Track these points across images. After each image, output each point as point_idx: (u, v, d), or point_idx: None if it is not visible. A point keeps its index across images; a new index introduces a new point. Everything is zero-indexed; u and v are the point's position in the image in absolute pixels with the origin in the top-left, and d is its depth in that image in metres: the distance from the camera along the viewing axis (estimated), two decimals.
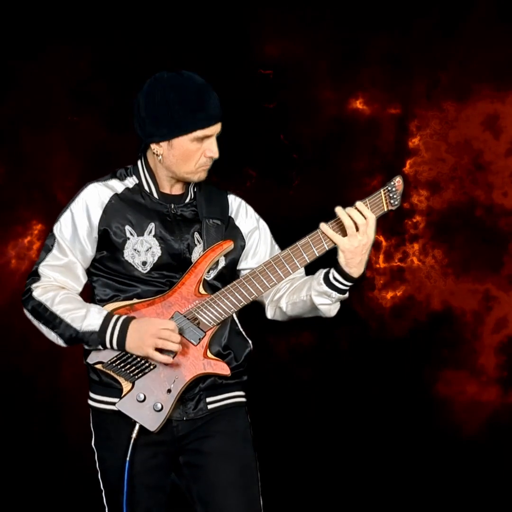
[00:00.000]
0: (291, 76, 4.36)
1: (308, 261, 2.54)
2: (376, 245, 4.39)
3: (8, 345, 4.27)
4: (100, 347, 2.52)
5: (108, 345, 2.51)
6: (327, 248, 2.53)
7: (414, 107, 4.38)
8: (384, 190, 2.52)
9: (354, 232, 2.48)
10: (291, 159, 4.40)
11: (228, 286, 2.56)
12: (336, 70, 4.36)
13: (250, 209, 2.77)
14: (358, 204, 2.50)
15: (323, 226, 2.51)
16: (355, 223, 2.48)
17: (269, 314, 2.78)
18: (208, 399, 2.62)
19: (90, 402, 2.66)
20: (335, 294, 2.56)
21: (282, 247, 2.64)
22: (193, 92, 2.51)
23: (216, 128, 2.55)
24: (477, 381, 4.36)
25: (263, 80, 4.38)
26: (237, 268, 2.74)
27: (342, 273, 2.53)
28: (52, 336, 2.57)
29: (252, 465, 2.66)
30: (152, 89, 2.55)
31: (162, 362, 2.51)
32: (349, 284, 2.55)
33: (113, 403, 2.57)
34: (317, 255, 2.53)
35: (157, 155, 2.57)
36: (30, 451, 4.29)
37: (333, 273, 2.54)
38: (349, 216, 2.48)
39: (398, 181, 2.52)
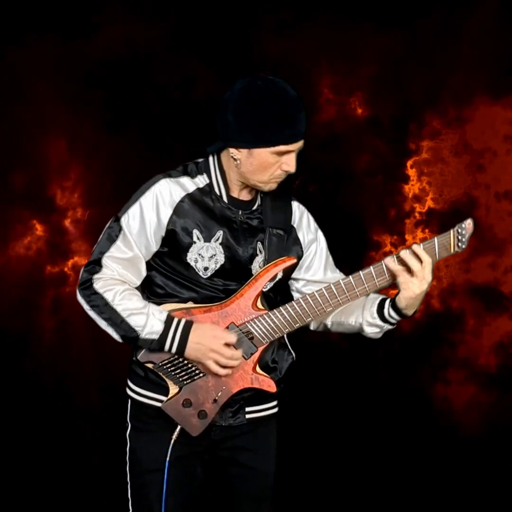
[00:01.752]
0: (291, 75, 4.35)
1: (369, 292, 2.53)
2: (376, 245, 4.40)
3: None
4: (157, 350, 2.52)
5: (167, 350, 2.51)
6: (388, 282, 2.51)
7: (414, 106, 4.38)
8: (454, 231, 2.47)
9: (422, 276, 2.45)
10: None
11: (286, 305, 2.55)
12: (336, 70, 4.37)
13: (311, 219, 2.75)
14: (415, 247, 2.46)
15: (388, 262, 2.47)
16: (410, 268, 2.46)
17: (313, 326, 2.79)
18: (248, 409, 2.64)
19: (130, 393, 2.65)
20: (386, 327, 2.60)
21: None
22: (285, 105, 2.45)
23: (299, 144, 2.51)
24: (477, 380, 4.37)
25: None
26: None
27: (398, 312, 2.55)
28: (108, 329, 2.53)
29: (271, 481, 2.73)
30: (244, 93, 2.47)
31: (220, 375, 2.52)
32: (400, 319, 2.58)
33: (156, 399, 2.58)
34: (378, 287, 2.53)
35: (234, 159, 2.53)
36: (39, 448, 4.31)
37: (389, 310, 2.56)
38: (405, 260, 2.45)
39: (469, 224, 2.46)
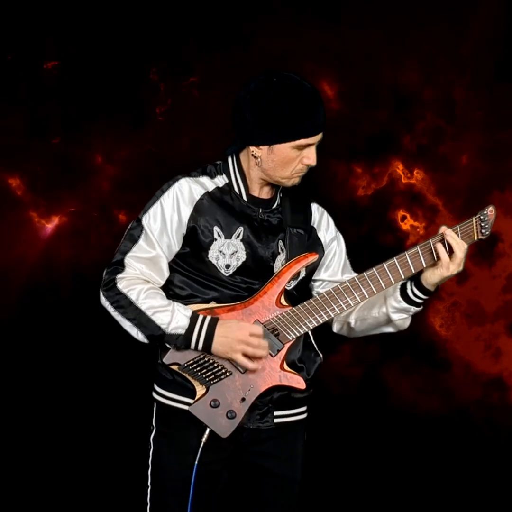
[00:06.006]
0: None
1: (393, 283, 2.52)
2: (377, 246, 4.41)
3: None
4: (183, 347, 2.50)
5: (193, 346, 2.49)
6: (412, 272, 2.51)
7: (415, 106, 4.39)
8: (476, 219, 2.48)
9: (459, 262, 2.46)
10: None
11: (311, 300, 2.54)
12: (336, 69, 4.37)
13: (331, 221, 2.74)
14: (450, 232, 2.47)
15: (448, 231, 2.46)
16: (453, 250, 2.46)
17: (336, 328, 2.77)
18: (276, 413, 2.60)
19: (157, 397, 2.62)
20: (413, 309, 2.58)
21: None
22: (303, 99, 2.46)
23: (319, 137, 2.51)
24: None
25: None
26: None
27: (422, 289, 2.54)
28: (132, 330, 2.51)
29: (297, 489, 2.69)
30: (260, 91, 2.47)
31: (250, 369, 2.49)
32: (426, 297, 2.56)
33: (183, 402, 2.55)
34: (403, 277, 2.52)
35: (255, 157, 2.53)
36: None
37: (412, 289, 2.54)
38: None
39: (490, 210, 2.47)
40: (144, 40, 4.25)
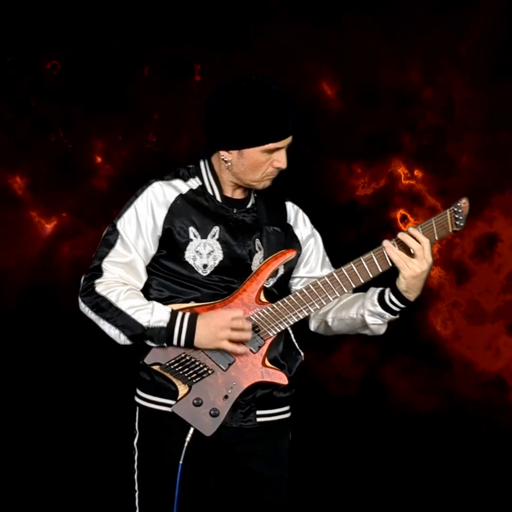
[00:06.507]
0: (290, 74, 4.36)
1: (372, 276, 2.52)
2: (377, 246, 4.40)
3: None
4: (165, 344, 2.50)
5: (175, 341, 2.49)
6: (389, 265, 2.50)
7: (415, 106, 4.39)
8: (450, 211, 2.50)
9: (422, 256, 2.47)
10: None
11: (290, 296, 2.55)
12: (336, 69, 4.37)
13: (306, 218, 2.77)
14: (411, 229, 2.49)
15: (387, 244, 2.48)
16: (410, 250, 2.47)
17: (313, 326, 2.78)
18: (259, 412, 2.61)
19: (139, 401, 2.63)
20: (388, 316, 2.57)
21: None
22: (270, 103, 2.47)
23: (289, 140, 2.53)
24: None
25: None
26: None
27: (399, 297, 2.53)
28: (114, 333, 2.51)
29: (285, 488, 2.69)
30: (229, 96, 2.50)
31: (239, 353, 2.50)
32: (403, 306, 2.55)
33: (165, 404, 2.56)
34: (380, 270, 2.52)
35: (225, 161, 2.56)
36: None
37: (389, 295, 2.54)
38: (404, 242, 2.47)
39: (464, 203, 2.50)
40: (144, 40, 4.26)
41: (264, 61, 4.32)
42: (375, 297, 2.57)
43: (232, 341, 2.48)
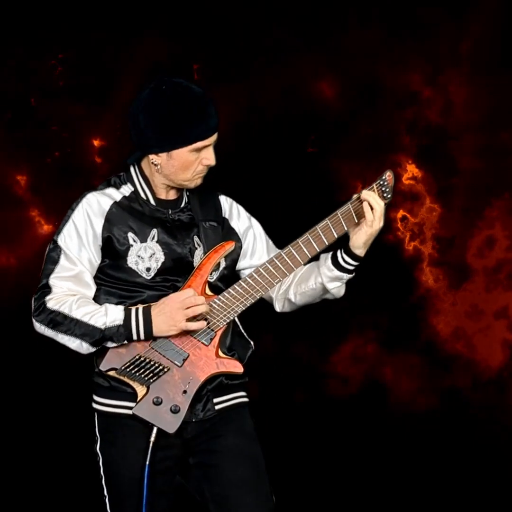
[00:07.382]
0: (290, 74, 4.37)
1: (327, 244, 2.57)
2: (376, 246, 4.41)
3: None
4: (126, 341, 2.53)
5: (135, 336, 2.52)
6: (345, 230, 2.56)
7: (415, 106, 4.39)
8: (377, 184, 2.56)
9: (380, 216, 2.53)
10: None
11: (234, 285, 2.59)
12: (336, 69, 4.38)
13: (241, 209, 2.81)
14: (368, 193, 2.54)
15: (365, 193, 2.53)
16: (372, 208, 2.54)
17: (278, 307, 2.82)
18: (215, 400, 2.64)
19: (96, 406, 2.65)
20: (346, 276, 2.63)
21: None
22: (193, 104, 2.52)
23: (215, 137, 2.58)
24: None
25: None
26: (237, 268, 2.77)
27: (351, 255, 2.58)
28: (75, 343, 2.54)
29: (262, 463, 2.68)
30: (151, 100, 2.54)
31: (199, 329, 2.53)
32: (356, 264, 2.61)
33: (124, 407, 2.58)
34: (336, 236, 2.57)
35: (155, 164, 2.60)
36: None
37: (343, 256, 2.59)
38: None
39: (388, 175, 2.56)
40: (143, 40, 4.27)
41: (264, 61, 4.33)
42: (329, 262, 2.62)
43: (189, 320, 2.52)
